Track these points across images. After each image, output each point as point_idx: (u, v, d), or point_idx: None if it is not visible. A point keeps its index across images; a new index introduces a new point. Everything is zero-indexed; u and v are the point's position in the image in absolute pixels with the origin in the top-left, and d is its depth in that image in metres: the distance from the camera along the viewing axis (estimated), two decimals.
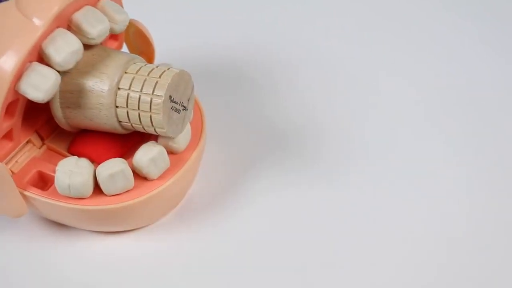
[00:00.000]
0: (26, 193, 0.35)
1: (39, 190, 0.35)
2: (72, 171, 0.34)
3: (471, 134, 0.42)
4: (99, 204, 0.35)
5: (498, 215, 0.38)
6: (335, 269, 0.36)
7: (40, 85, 0.33)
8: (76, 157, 0.35)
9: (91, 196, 0.35)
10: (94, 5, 0.35)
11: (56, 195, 0.35)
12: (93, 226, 0.37)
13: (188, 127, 0.36)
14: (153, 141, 0.35)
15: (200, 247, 0.37)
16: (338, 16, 0.50)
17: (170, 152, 0.36)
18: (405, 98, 0.44)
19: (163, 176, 0.35)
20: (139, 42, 0.40)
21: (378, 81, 0.46)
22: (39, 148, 0.37)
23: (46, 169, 0.36)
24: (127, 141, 0.37)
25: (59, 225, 0.38)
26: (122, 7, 0.38)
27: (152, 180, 0.35)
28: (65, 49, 0.33)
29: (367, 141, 0.42)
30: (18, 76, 0.33)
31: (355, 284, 0.35)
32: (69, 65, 0.34)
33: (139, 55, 0.41)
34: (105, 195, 0.35)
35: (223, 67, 0.46)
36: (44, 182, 0.36)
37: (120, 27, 0.36)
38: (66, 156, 0.37)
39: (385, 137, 0.42)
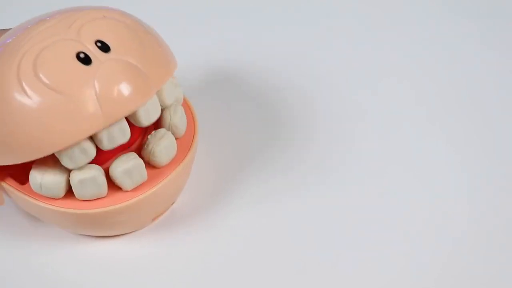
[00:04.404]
0: (3, 184, 0.35)
1: (17, 184, 0.35)
2: (46, 170, 0.34)
3: (473, 134, 0.42)
4: (67, 206, 0.35)
5: (501, 214, 0.38)
6: (333, 275, 0.36)
7: (78, 160, 0.33)
8: (55, 157, 0.35)
9: (64, 198, 0.35)
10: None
11: (31, 191, 0.35)
12: (65, 227, 0.37)
13: (173, 142, 0.36)
14: (133, 153, 0.35)
15: (186, 256, 0.37)
16: (339, 17, 0.50)
17: (152, 165, 0.36)
18: (406, 98, 0.44)
19: (138, 189, 0.35)
20: None
21: (379, 81, 0.46)
22: None
23: (29, 164, 0.35)
24: (115, 148, 0.37)
25: (48, 224, 0.38)
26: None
27: (126, 191, 0.35)
28: (117, 140, 0.33)
29: (368, 141, 0.42)
30: (65, 149, 0.33)
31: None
32: (111, 149, 0.34)
33: None
34: (77, 199, 0.35)
35: (221, 77, 0.46)
36: (26, 176, 0.36)
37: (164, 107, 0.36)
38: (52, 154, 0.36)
39: (386, 137, 0.42)
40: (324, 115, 0.43)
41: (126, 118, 0.34)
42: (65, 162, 0.33)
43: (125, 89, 0.32)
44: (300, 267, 0.36)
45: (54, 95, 0.32)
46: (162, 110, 0.37)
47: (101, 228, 0.36)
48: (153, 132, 0.36)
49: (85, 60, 0.32)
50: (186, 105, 0.39)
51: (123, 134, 0.33)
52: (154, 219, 0.38)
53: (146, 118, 0.34)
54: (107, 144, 0.33)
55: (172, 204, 0.39)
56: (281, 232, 0.38)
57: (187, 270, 0.36)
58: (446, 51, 0.47)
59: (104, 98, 0.32)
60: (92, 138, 0.33)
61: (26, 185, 0.35)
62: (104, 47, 0.33)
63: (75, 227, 0.37)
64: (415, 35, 0.49)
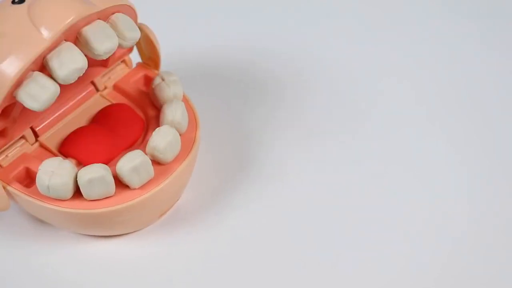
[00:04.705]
0: (9, 188, 0.35)
1: (23, 187, 0.35)
2: (53, 172, 0.34)
3: (473, 134, 0.42)
4: (77, 207, 0.35)
5: (501, 214, 0.38)
6: (333, 275, 0.36)
7: (38, 96, 0.33)
8: (60, 158, 0.35)
9: (72, 199, 0.35)
10: (107, 18, 0.34)
11: (38, 194, 0.35)
12: (73, 228, 0.37)
13: (177, 138, 0.36)
14: (139, 150, 0.35)
15: (186, 256, 0.37)
16: (339, 17, 0.50)
17: (157, 162, 0.36)
18: (406, 98, 0.44)
19: (145, 186, 0.35)
20: (147, 47, 0.40)
21: (379, 81, 0.45)
22: (32, 145, 0.37)
23: (33, 167, 0.36)
24: (117, 146, 0.37)
25: (48, 224, 0.38)
26: (136, 21, 0.37)
27: (134, 189, 0.35)
28: (69, 65, 0.33)
29: (368, 141, 0.42)
30: (18, 83, 0.32)
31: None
32: (71, 81, 0.33)
33: (147, 59, 0.41)
34: (85, 199, 0.35)
35: (225, 76, 0.46)
36: (31, 179, 0.36)
37: (128, 44, 0.35)
38: (55, 155, 0.37)
39: (386, 137, 0.42)
40: (324, 115, 0.43)
41: (88, 58, 0.33)
42: (28, 102, 0.33)
43: (60, 8, 0.32)
44: (300, 267, 0.36)
45: None
46: (163, 107, 0.37)
47: (110, 227, 0.36)
48: (156, 129, 0.36)
49: (19, 1, 0.33)
50: (186, 102, 0.39)
51: (73, 58, 0.33)
52: (160, 216, 0.38)
53: (99, 45, 0.33)
54: (60, 72, 0.33)
55: (177, 201, 0.39)
56: (281, 232, 0.38)
57: (187, 270, 0.36)
58: (446, 51, 0.47)
59: (40, 21, 0.32)
60: (48, 74, 0.33)
61: (32, 188, 0.35)
62: None
63: (83, 228, 0.37)
64: (415, 35, 0.48)
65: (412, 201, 0.39)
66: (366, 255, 0.36)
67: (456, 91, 0.45)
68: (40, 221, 0.38)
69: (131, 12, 0.36)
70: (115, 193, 0.35)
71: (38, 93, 0.32)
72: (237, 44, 0.48)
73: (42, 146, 0.37)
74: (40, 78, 0.32)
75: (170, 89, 0.38)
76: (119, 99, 0.40)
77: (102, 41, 0.33)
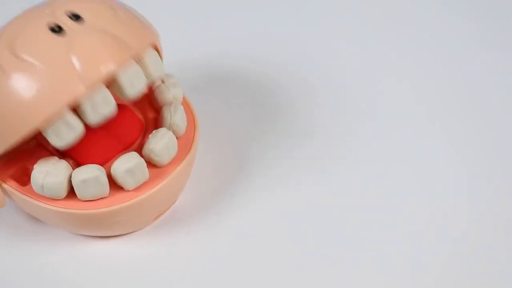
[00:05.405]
0: (4, 185, 0.35)
1: (18, 185, 0.35)
2: (48, 171, 0.34)
3: (473, 134, 0.42)
4: (70, 207, 0.35)
5: (501, 214, 0.38)
6: (333, 275, 0.36)
7: (64, 136, 0.33)
8: (56, 157, 0.35)
9: (66, 198, 0.35)
10: (137, 56, 0.34)
11: (32, 192, 0.35)
12: (67, 228, 0.37)
13: (174, 141, 0.36)
14: (134, 152, 0.35)
15: (186, 256, 0.37)
16: (339, 17, 0.50)
17: (153, 164, 0.36)
18: (406, 98, 0.44)
19: (140, 188, 0.35)
20: None
21: (379, 81, 0.45)
22: (30, 142, 0.37)
23: (30, 165, 0.36)
24: (115, 148, 0.37)
25: (47, 224, 0.38)
26: (162, 58, 0.37)
27: (128, 190, 0.35)
28: (101, 111, 0.33)
29: (368, 141, 0.42)
30: (47, 121, 0.32)
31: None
32: (99, 124, 0.33)
33: None
34: (79, 199, 0.35)
35: (225, 76, 0.46)
36: (27, 177, 0.36)
37: (151, 82, 0.36)
38: (53, 155, 0.37)
39: (386, 137, 0.42)
40: (324, 115, 0.43)
41: (113, 95, 0.33)
42: (53, 139, 0.33)
43: (101, 52, 0.32)
44: (300, 267, 0.36)
45: (30, 67, 0.32)
46: (162, 109, 0.37)
47: (104, 228, 0.36)
48: (153, 131, 0.36)
49: (58, 31, 0.32)
50: (186, 104, 0.39)
51: (107, 103, 0.33)
52: (155, 218, 0.38)
53: (130, 89, 0.34)
54: (92, 116, 0.33)
55: (173, 203, 0.39)
56: (281, 232, 0.38)
57: (187, 270, 0.36)
58: (446, 51, 0.47)
59: (80, 63, 0.32)
60: (76, 113, 0.33)
61: (28, 186, 0.35)
62: (77, 18, 0.33)
63: (77, 228, 0.37)
64: (415, 35, 0.48)
65: (412, 201, 0.39)
66: (366, 255, 0.36)
67: (456, 91, 0.45)
68: (38, 221, 0.38)
69: (158, 42, 0.36)
70: (109, 194, 0.35)
71: (64, 134, 0.33)
72: (237, 44, 0.48)
73: (40, 144, 0.37)
74: (70, 118, 0.33)
75: (169, 92, 0.38)
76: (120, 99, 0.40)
77: (134, 86, 0.34)
